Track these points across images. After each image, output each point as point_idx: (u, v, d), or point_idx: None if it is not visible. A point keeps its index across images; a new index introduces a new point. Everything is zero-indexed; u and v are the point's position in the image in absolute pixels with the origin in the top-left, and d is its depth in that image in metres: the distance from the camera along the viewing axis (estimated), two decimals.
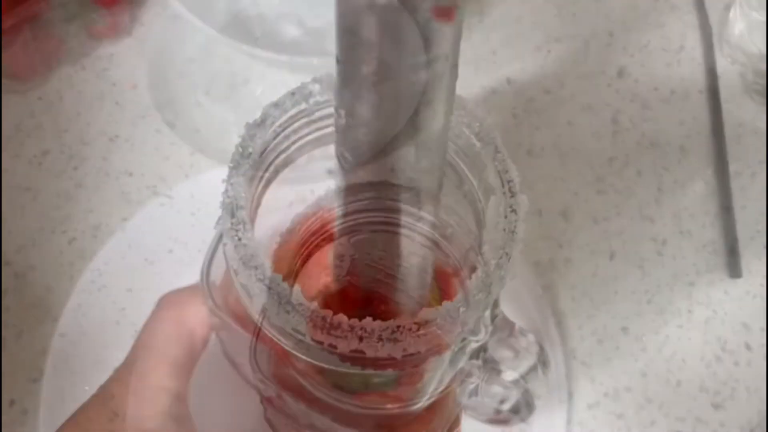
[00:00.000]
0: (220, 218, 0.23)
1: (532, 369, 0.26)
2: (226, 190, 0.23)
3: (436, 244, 0.28)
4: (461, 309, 0.21)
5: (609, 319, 0.42)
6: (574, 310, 0.42)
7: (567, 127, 0.48)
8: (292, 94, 0.25)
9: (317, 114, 0.25)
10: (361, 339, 0.21)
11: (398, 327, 0.21)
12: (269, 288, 0.21)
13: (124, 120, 0.48)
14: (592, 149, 0.47)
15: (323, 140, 0.25)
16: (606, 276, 0.43)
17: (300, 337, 0.21)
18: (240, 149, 0.24)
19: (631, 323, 0.42)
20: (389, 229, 0.29)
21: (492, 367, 0.26)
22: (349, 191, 0.24)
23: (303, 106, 0.25)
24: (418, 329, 0.21)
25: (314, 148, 0.26)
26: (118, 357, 0.28)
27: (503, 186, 0.24)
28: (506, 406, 0.27)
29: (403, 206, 0.25)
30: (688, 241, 0.44)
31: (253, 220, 0.24)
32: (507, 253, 0.22)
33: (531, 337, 0.26)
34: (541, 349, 0.26)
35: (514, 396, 0.26)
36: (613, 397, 0.40)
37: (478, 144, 0.24)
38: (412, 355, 0.21)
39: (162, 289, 0.29)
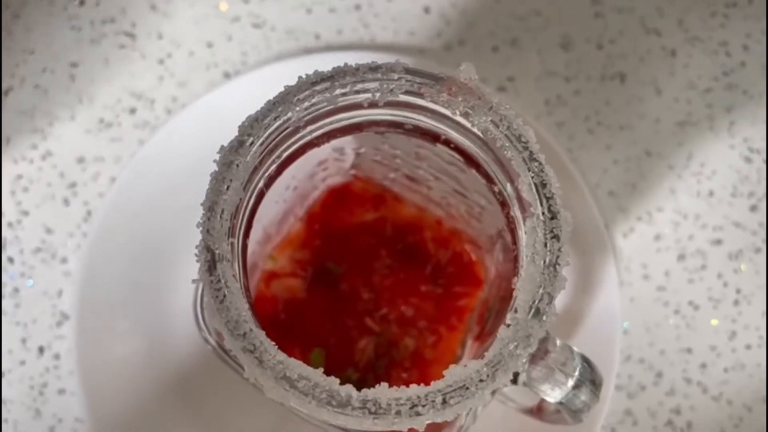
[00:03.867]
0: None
1: (577, 389, 0.23)
2: (204, 239, 0.19)
3: (474, 162, 0.24)
4: (496, 370, 0.19)
5: (630, 145, 0.39)
6: (592, 142, 0.39)
7: None
8: (273, 103, 0.19)
9: (317, 113, 0.19)
10: (375, 414, 0.18)
11: (419, 398, 0.18)
12: (260, 362, 0.18)
13: None
14: None
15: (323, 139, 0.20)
16: (620, 101, 0.39)
17: (302, 416, 0.19)
18: (215, 183, 0.19)
19: (652, 145, 0.39)
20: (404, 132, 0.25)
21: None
22: None
23: (288, 115, 0.19)
24: (444, 401, 0.18)
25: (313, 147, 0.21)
26: None
27: (541, 204, 0.19)
28: (551, 407, 0.25)
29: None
30: (699, 48, 0.40)
31: (247, 235, 0.20)
32: (548, 294, 0.19)
33: (576, 355, 0.23)
34: (587, 365, 0.23)
35: (553, 407, 0.24)
36: (647, 220, 0.39)
37: (508, 147, 0.19)
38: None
39: None
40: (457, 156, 0.23)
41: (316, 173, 0.31)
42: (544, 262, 0.19)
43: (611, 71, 0.40)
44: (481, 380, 0.19)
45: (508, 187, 0.21)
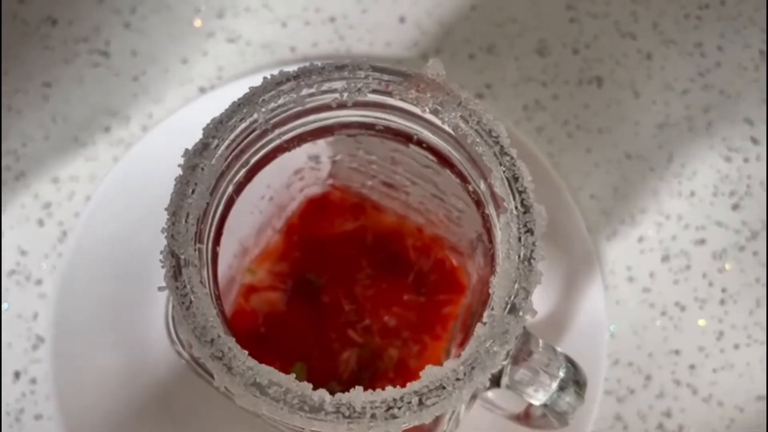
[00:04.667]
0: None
1: (561, 391, 0.23)
2: (168, 245, 0.18)
3: (447, 162, 0.24)
4: (473, 368, 0.18)
5: (610, 148, 0.39)
6: (572, 145, 0.39)
7: None
8: (238, 105, 0.19)
9: (284, 116, 0.19)
10: (350, 419, 0.18)
11: (395, 400, 0.18)
12: (229, 369, 0.18)
13: None
14: None
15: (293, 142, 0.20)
16: (598, 105, 0.39)
17: (273, 424, 0.18)
18: (180, 186, 0.18)
19: (632, 147, 0.39)
20: (375, 133, 0.24)
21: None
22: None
23: (254, 116, 0.19)
24: (420, 402, 0.18)
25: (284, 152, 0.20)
26: None
27: (514, 198, 0.19)
28: (537, 412, 0.24)
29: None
30: (674, 50, 0.40)
31: (217, 242, 0.20)
32: (524, 289, 0.19)
33: (560, 356, 0.23)
34: (571, 366, 0.23)
35: (540, 411, 0.23)
36: (629, 222, 0.38)
37: (479, 143, 0.19)
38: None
39: None
40: (430, 156, 0.23)
41: (292, 183, 0.30)
42: (519, 256, 0.19)
43: (588, 75, 0.40)
44: (458, 379, 0.18)
45: (482, 184, 0.21)
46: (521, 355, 0.22)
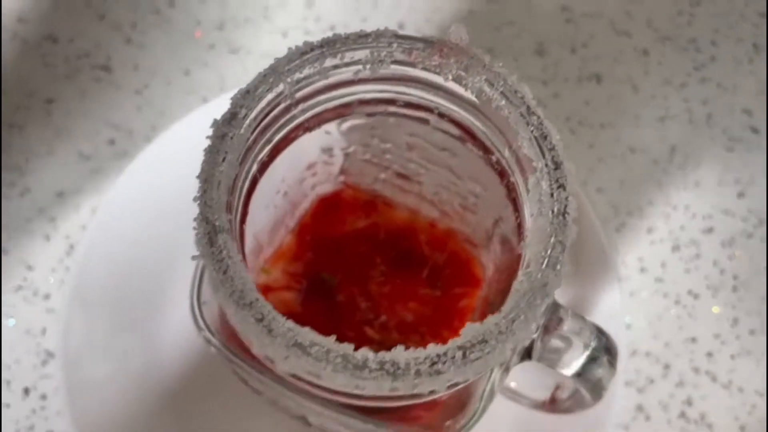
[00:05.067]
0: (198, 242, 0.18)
1: (593, 361, 0.22)
2: (201, 212, 0.18)
3: (469, 134, 0.23)
4: (514, 321, 0.18)
5: (613, 143, 0.39)
6: (576, 141, 0.39)
7: None
8: (264, 75, 0.19)
9: (308, 89, 0.19)
10: (394, 376, 0.17)
11: (438, 356, 0.18)
12: (270, 330, 0.17)
13: None
14: None
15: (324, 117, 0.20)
16: (599, 101, 0.40)
17: (314, 381, 0.18)
18: (210, 155, 0.18)
19: (634, 141, 0.39)
20: (396, 110, 0.24)
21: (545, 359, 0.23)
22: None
23: (280, 88, 0.19)
24: (464, 356, 0.18)
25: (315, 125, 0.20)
26: None
27: (543, 156, 0.19)
28: (564, 394, 0.24)
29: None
30: (670, 46, 0.40)
31: (243, 221, 0.20)
32: (560, 242, 0.18)
33: (589, 324, 0.23)
34: (602, 335, 0.23)
35: (570, 387, 0.23)
36: (638, 214, 0.38)
37: (504, 106, 0.19)
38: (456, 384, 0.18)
39: None
40: (452, 130, 0.23)
41: (305, 178, 0.30)
42: (553, 211, 0.19)
43: (587, 73, 0.41)
44: (500, 332, 0.18)
45: (506, 151, 0.21)
46: (552, 324, 0.22)
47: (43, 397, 0.35)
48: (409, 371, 0.17)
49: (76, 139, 0.39)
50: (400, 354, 0.17)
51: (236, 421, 0.33)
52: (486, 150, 0.22)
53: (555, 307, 0.22)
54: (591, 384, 0.23)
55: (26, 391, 0.35)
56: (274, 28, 0.41)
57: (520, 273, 0.19)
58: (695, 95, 0.41)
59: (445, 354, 0.17)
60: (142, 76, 0.40)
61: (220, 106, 0.38)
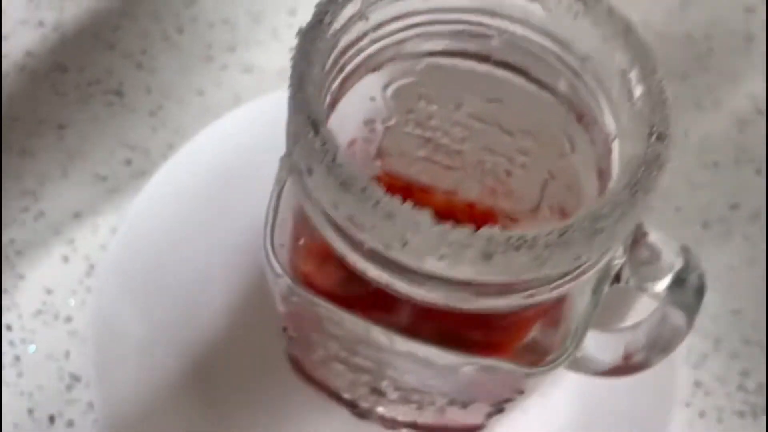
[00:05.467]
0: (287, 152, 0.18)
1: (682, 281, 0.21)
2: (297, 105, 0.17)
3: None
4: (636, 192, 0.17)
5: None
6: None
7: None
8: None
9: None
10: (525, 250, 0.16)
11: (566, 228, 0.17)
12: (390, 216, 0.17)
13: None
14: None
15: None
16: None
17: (419, 283, 0.17)
18: (300, 57, 0.18)
19: None
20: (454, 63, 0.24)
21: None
22: None
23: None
24: (592, 225, 0.17)
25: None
26: None
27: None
28: (635, 346, 0.23)
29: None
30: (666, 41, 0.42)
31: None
32: (661, 134, 0.18)
33: (674, 242, 0.22)
34: (688, 251, 0.22)
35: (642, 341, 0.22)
36: (661, 196, 0.38)
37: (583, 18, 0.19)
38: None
39: None
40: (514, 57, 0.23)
41: None
42: (650, 91, 0.18)
43: None
44: (623, 202, 0.17)
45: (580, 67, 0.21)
46: (637, 238, 0.22)
47: (70, 424, 0.32)
48: (536, 243, 0.16)
49: (91, 162, 0.38)
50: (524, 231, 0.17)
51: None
52: (554, 73, 0.22)
53: (638, 227, 0.22)
54: (684, 305, 0.22)
55: (51, 419, 0.32)
56: (286, 46, 0.41)
57: (618, 166, 0.18)
58: (699, 83, 0.42)
59: (572, 225, 0.17)
60: (156, 99, 0.39)
61: (234, 118, 0.38)
